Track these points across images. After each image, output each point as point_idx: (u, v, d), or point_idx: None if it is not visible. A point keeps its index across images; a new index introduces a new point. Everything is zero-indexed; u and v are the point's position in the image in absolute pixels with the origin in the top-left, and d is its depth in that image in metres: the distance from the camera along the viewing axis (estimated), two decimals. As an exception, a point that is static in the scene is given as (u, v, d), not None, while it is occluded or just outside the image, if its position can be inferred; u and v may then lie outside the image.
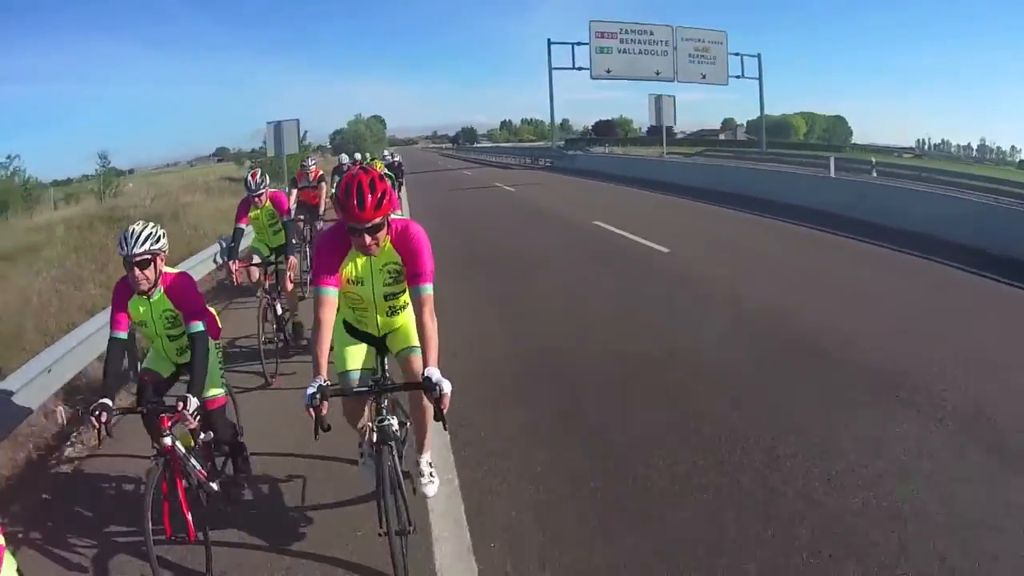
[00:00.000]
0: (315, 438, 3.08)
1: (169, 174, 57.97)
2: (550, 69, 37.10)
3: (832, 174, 20.82)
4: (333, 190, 7.70)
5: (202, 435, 3.99)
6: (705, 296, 8.75)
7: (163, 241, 3.69)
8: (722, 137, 52.63)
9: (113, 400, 3.54)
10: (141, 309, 3.81)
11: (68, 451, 5.35)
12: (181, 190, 31.62)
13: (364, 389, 3.43)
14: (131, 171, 58.07)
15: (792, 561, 3.50)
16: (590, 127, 66.20)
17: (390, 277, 3.43)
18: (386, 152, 23.16)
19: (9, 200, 31.53)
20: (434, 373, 3.09)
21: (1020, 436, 4.66)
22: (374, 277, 3.42)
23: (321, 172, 11.47)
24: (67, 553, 3.92)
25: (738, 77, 39.58)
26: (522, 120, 75.58)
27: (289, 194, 10.09)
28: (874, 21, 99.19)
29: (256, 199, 7.06)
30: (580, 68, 37.06)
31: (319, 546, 3.84)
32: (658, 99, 33.83)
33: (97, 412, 3.40)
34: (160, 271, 3.73)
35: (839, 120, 69.77)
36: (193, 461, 3.83)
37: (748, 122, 68.96)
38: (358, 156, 17.34)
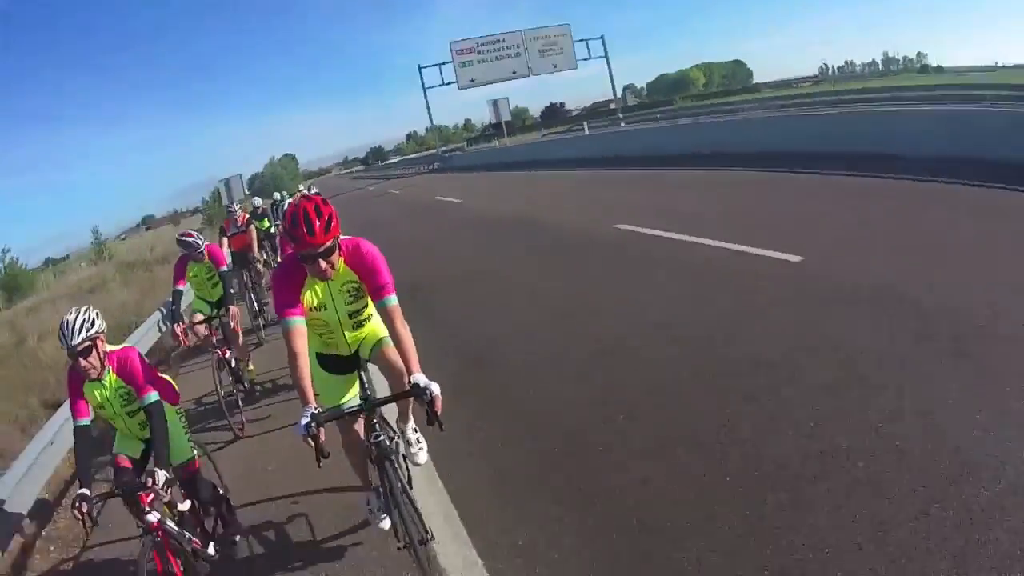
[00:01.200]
0: (318, 466, 3.07)
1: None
2: (424, 89, 44.44)
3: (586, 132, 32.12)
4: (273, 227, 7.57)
5: (180, 505, 3.94)
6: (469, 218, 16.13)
7: (99, 323, 3.68)
8: (612, 106, 55.04)
9: (91, 488, 3.53)
10: (96, 393, 3.80)
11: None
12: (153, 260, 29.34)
13: (355, 408, 3.43)
14: (66, 257, 56.00)
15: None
16: (489, 124, 65.87)
17: (351, 296, 3.45)
18: (301, 186, 23.04)
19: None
20: (420, 379, 3.10)
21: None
22: (335, 300, 3.44)
23: (248, 215, 11.27)
24: None
25: (586, 59, 45.36)
26: (426, 129, 75.01)
27: (221, 244, 9.90)
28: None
29: (198, 255, 6.96)
30: (448, 83, 43.91)
31: (335, 572, 3.86)
32: (495, 103, 43.94)
33: (77, 503, 3.40)
34: (104, 352, 3.73)
35: (738, 64, 71.65)
36: (185, 532, 3.78)
37: (648, 84, 70.70)
38: (277, 195, 17.79)
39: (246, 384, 7.17)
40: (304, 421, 3.00)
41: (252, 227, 10.85)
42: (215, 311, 7.11)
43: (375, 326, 3.66)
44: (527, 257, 10.47)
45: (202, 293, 7.33)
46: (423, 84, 44.13)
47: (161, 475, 3.48)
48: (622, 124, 38.93)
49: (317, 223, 3.11)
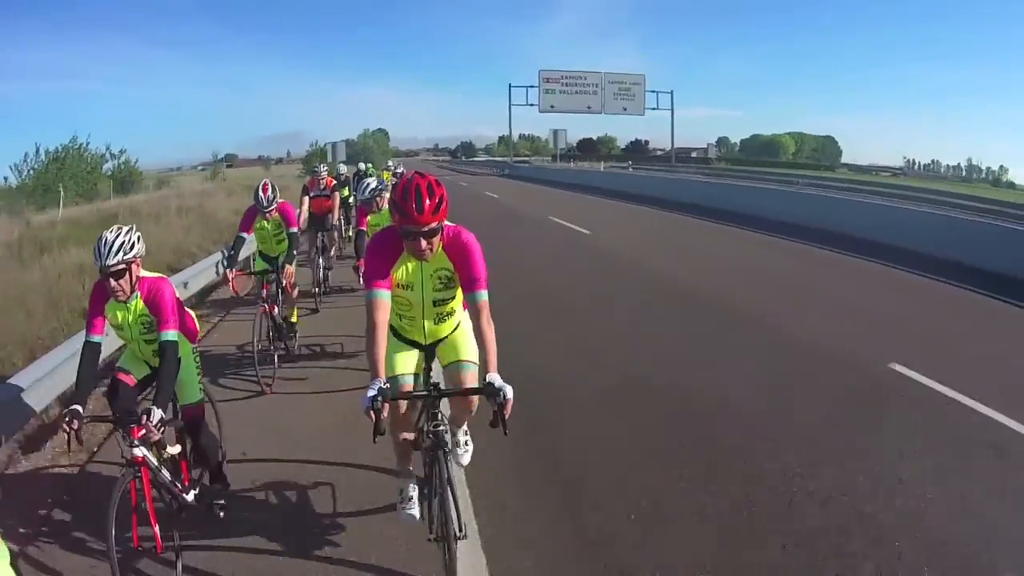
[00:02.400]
0: (374, 441, 2.97)
1: (184, 177, 54.04)
2: (510, 105, 50.72)
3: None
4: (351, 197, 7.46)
5: (169, 448, 3.80)
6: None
7: (138, 247, 3.56)
8: (693, 155, 60.93)
9: (84, 406, 3.42)
10: (119, 313, 3.70)
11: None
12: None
13: (424, 393, 3.33)
14: (179, 168, 58.25)
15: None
16: (575, 144, 71.01)
17: (440, 283, 3.34)
18: (390, 163, 23.27)
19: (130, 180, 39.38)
20: (496, 379, 3.01)
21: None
22: (424, 282, 3.33)
23: (334, 182, 10.93)
24: (41, 560, 3.77)
25: (654, 108, 51.66)
26: (520, 135, 75.70)
27: (300, 202, 9.85)
28: (872, 39, 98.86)
29: (267, 213, 6.84)
30: (531, 104, 50.56)
31: (351, 553, 3.72)
32: (555, 132, 53.81)
33: (68, 419, 3.30)
34: (137, 277, 3.62)
35: (828, 140, 70.59)
36: (165, 472, 3.64)
37: (742, 140, 70.59)
38: (362, 166, 17.59)
39: (287, 345, 7.06)
40: (371, 394, 2.92)
41: (336, 193, 10.63)
42: (272, 266, 7.01)
43: (459, 338, 3.58)
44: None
45: (265, 247, 7.26)
46: (509, 99, 50.48)
47: (157, 413, 3.36)
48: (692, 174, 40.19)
49: (428, 202, 3.03)
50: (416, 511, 3.60)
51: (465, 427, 3.88)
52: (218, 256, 10.21)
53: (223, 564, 3.63)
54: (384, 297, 3.17)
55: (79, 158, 36.53)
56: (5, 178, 36.38)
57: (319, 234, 9.96)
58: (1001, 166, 53.03)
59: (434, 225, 3.07)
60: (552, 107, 50.10)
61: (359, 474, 4.51)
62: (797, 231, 15.35)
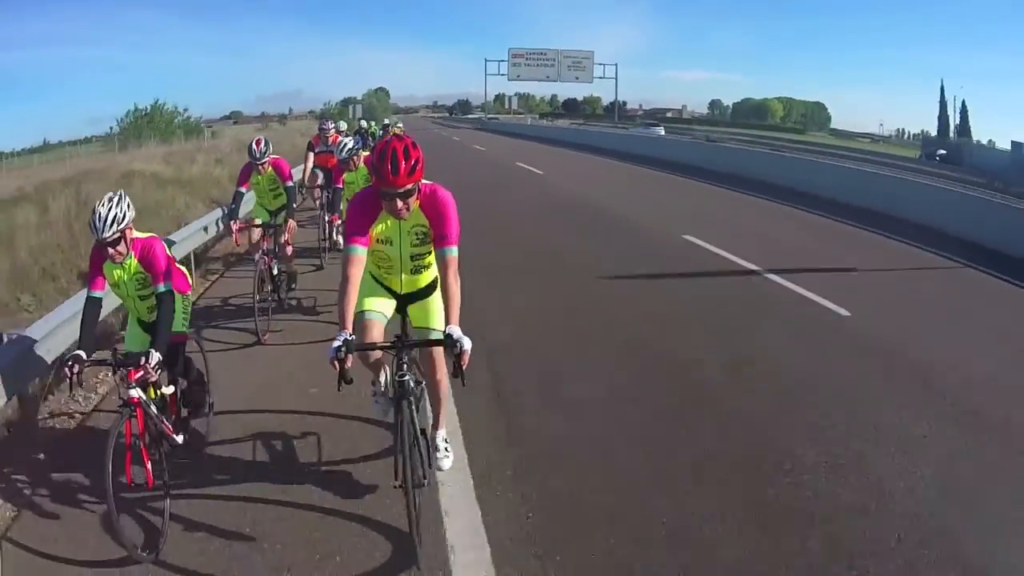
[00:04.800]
0: (338, 390, 3.04)
1: (230, 128, 56.83)
2: (486, 75, 62.18)
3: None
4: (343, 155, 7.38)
5: (164, 388, 3.97)
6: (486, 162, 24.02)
7: (129, 214, 3.67)
8: (668, 115, 68.58)
9: (88, 353, 3.57)
10: (115, 272, 3.86)
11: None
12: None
13: (387, 344, 3.35)
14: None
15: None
16: (561, 103, 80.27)
17: (417, 239, 3.38)
18: (386, 120, 23.03)
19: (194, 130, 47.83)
20: (455, 331, 3.06)
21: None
22: (402, 238, 3.38)
23: (339, 138, 10.25)
24: (43, 499, 3.90)
25: (601, 77, 62.76)
26: (516, 93, 75.72)
27: (305, 158, 9.62)
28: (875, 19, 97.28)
29: (260, 167, 6.77)
30: (502, 73, 62.09)
31: (333, 501, 3.74)
32: (518, 95, 71.48)
33: (70, 363, 3.47)
34: (131, 240, 3.76)
35: (818, 105, 69.71)
36: (156, 412, 3.79)
37: (733, 104, 70.71)
38: (363, 124, 17.64)
39: (282, 296, 7.05)
40: (336, 344, 2.97)
41: (341, 149, 10.27)
42: (272, 220, 6.96)
43: (432, 302, 3.63)
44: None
45: (262, 201, 7.17)
46: (485, 70, 61.61)
47: (155, 356, 3.54)
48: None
49: (403, 164, 3.06)
50: (384, 403, 3.78)
51: (444, 433, 3.84)
52: (217, 213, 10.05)
53: (208, 509, 3.68)
54: (360, 253, 3.22)
55: (159, 115, 48.16)
56: (111, 128, 49.84)
57: (324, 191, 9.62)
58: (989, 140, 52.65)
59: (410, 186, 3.11)
60: (518, 77, 62.29)
61: (345, 424, 4.50)
62: (692, 171, 20.29)
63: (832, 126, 63.25)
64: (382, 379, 3.88)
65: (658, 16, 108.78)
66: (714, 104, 74.68)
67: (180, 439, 4.01)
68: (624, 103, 74.61)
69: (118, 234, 3.61)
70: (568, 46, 63.13)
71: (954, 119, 50.46)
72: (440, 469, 3.78)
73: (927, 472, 4.00)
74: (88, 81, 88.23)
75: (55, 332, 4.91)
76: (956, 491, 3.84)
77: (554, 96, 79.06)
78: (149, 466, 3.55)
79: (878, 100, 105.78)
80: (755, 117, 66.72)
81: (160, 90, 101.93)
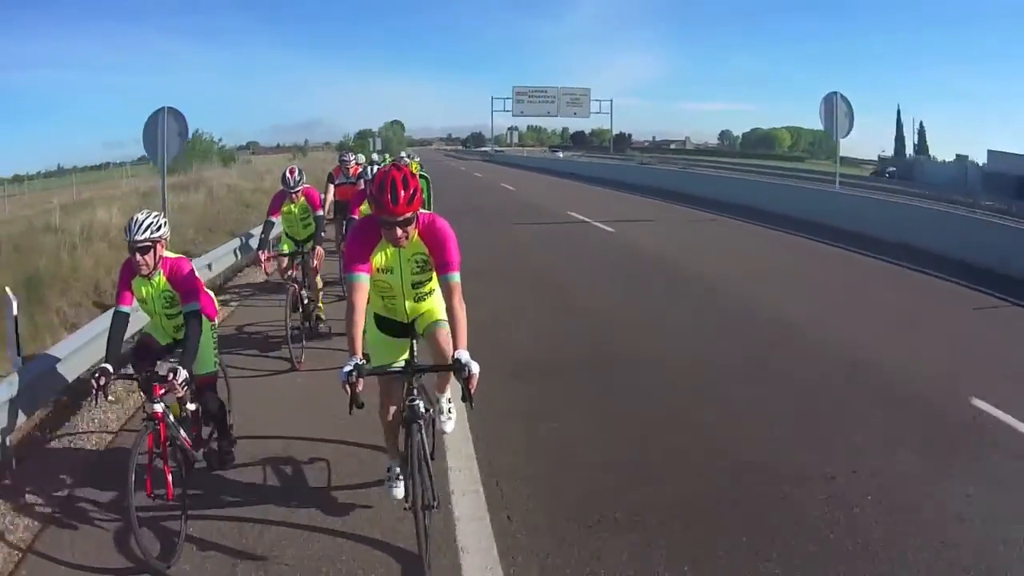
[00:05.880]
0: (350, 413, 3.03)
1: (259, 157, 60.21)
2: (492, 112, 68.52)
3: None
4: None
5: (189, 406, 3.98)
6: (480, 184, 31.48)
7: (164, 229, 3.78)
8: (672, 146, 74.24)
9: (114, 367, 3.62)
10: (143, 289, 3.90)
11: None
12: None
13: (398, 369, 3.40)
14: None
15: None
16: (570, 136, 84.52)
17: (417, 267, 3.40)
18: (403, 154, 23.27)
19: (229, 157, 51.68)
20: (463, 355, 3.06)
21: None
22: (402, 266, 3.40)
23: (360, 169, 10.39)
24: (66, 513, 3.92)
25: (597, 112, 68.44)
26: (528, 127, 76.67)
27: (326, 190, 9.56)
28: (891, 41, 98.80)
29: (293, 195, 6.84)
30: (507, 110, 67.97)
31: (343, 524, 3.72)
32: (515, 128, 76.51)
33: (97, 375, 3.51)
34: (160, 256, 3.81)
35: (826, 135, 69.47)
36: (181, 430, 3.84)
37: (743, 134, 71.61)
38: (376, 156, 18.04)
39: (312, 323, 7.03)
40: (347, 369, 3.00)
41: (362, 181, 9.88)
42: (300, 248, 6.96)
43: (435, 305, 3.60)
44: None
45: (291, 231, 7.20)
46: (492, 107, 67.56)
47: (183, 373, 3.55)
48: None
49: (402, 193, 3.09)
50: (400, 491, 3.65)
51: (448, 394, 3.88)
52: (236, 242, 10.11)
53: (218, 528, 3.68)
54: (363, 280, 3.24)
55: (199, 142, 48.32)
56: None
57: (344, 222, 9.41)
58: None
59: (408, 215, 3.14)
60: (522, 113, 68.43)
61: (356, 449, 4.48)
62: (662, 194, 23.55)
63: (842, 154, 62.82)
64: (396, 468, 3.73)
65: (676, 48, 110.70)
66: (724, 135, 75.86)
67: (199, 455, 4.07)
68: (629, 135, 77.80)
69: (149, 243, 3.68)
70: (586, 77, 70.34)
71: (913, 139, 55.86)
72: (444, 432, 3.91)
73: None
74: (101, 106, 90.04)
75: (79, 351, 5.06)
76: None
77: (564, 129, 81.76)
78: (170, 479, 3.59)
79: (883, 126, 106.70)
80: (763, 147, 67.18)
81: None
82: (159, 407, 3.54)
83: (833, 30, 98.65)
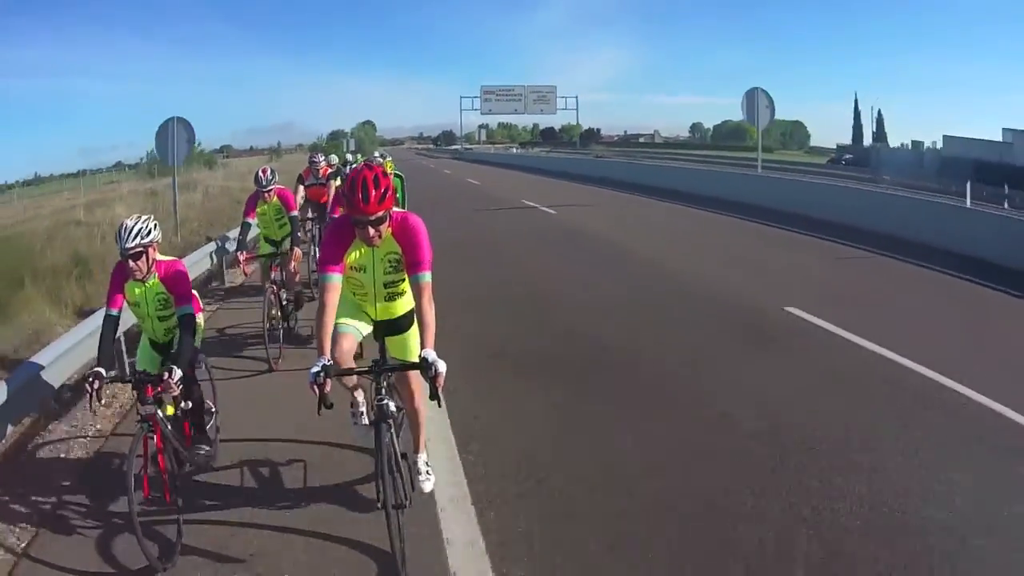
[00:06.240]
0: (318, 414, 3.04)
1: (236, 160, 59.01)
2: (460, 111, 67.13)
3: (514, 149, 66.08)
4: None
5: (183, 403, 3.99)
6: (448, 180, 32.73)
7: (155, 233, 3.74)
8: (641, 140, 72.92)
9: (106, 370, 3.61)
10: (136, 291, 3.89)
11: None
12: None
13: (365, 369, 3.34)
14: (136, 165, 59.03)
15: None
16: (540, 132, 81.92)
17: (390, 266, 3.40)
18: (376, 153, 23.21)
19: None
20: (430, 354, 3.07)
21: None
22: (375, 265, 3.40)
23: (330, 170, 10.31)
24: (60, 517, 3.95)
25: (563, 108, 67.17)
26: (499, 124, 76.76)
27: (296, 191, 9.47)
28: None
29: (265, 194, 6.82)
30: (475, 108, 66.56)
31: (318, 524, 3.72)
32: (485, 126, 76.43)
33: (91, 379, 3.48)
34: (153, 260, 3.79)
35: (798, 125, 70.22)
36: (172, 430, 3.79)
37: (714, 126, 73.07)
38: (349, 156, 18.37)
39: (290, 324, 7.05)
40: (314, 369, 3.00)
41: (331, 182, 9.99)
42: (277, 249, 6.96)
43: (409, 338, 3.62)
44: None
45: (268, 232, 7.19)
46: (460, 106, 66.40)
47: (177, 372, 3.57)
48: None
49: (373, 192, 3.09)
50: (366, 420, 3.74)
51: (426, 456, 3.81)
52: (212, 246, 10.05)
53: (201, 531, 3.68)
54: (334, 281, 3.23)
55: None
56: (141, 158, 49.71)
57: (315, 224, 9.57)
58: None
59: (380, 214, 3.14)
60: (490, 111, 67.40)
61: (337, 449, 4.49)
62: (610, 183, 25.83)
63: (812, 144, 64.08)
64: (359, 398, 3.85)
65: (647, 42, 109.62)
66: (695, 127, 75.78)
67: (191, 455, 4.06)
68: (598, 130, 77.72)
69: (141, 248, 3.65)
70: (558, 73, 68.97)
71: (872, 127, 55.98)
72: (423, 492, 3.73)
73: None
74: (73, 112, 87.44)
75: (64, 356, 5.05)
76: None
77: (535, 125, 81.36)
78: (167, 478, 3.59)
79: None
80: (734, 139, 67.21)
81: (148, 123, 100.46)
82: (152, 409, 3.53)
83: (802, 21, 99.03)
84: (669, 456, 4.31)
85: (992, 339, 6.65)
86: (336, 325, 3.41)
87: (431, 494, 3.78)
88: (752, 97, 17.95)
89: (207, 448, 4.22)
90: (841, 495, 3.76)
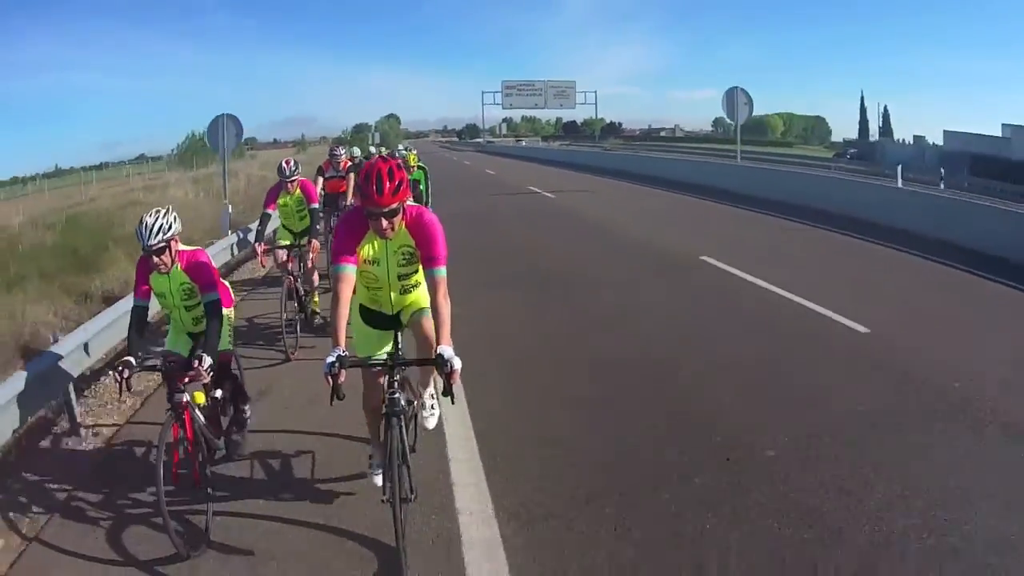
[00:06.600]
0: (331, 404, 3.00)
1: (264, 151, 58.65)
2: (483, 105, 65.37)
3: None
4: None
5: (215, 393, 3.97)
6: (468, 171, 33.63)
7: (175, 227, 3.66)
8: (662, 134, 73.05)
9: (136, 359, 3.57)
10: (161, 282, 3.83)
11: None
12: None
13: (379, 361, 3.30)
14: (160, 158, 59.51)
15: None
16: (562, 126, 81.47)
17: (403, 259, 3.33)
18: (400, 146, 23.18)
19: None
20: (446, 350, 3.00)
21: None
22: (389, 258, 3.32)
23: (350, 163, 10.18)
24: (78, 503, 3.93)
25: (583, 103, 65.86)
26: (523, 118, 76.61)
27: (316, 183, 9.42)
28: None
29: (288, 185, 6.75)
30: (496, 103, 65.31)
31: (325, 516, 3.67)
32: (508, 119, 77.07)
33: (120, 368, 3.47)
34: (176, 252, 3.73)
35: (819, 120, 69.47)
36: (202, 418, 3.76)
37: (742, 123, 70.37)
38: (372, 150, 17.74)
39: (307, 315, 6.99)
40: (329, 360, 2.95)
41: (351, 175, 9.81)
42: (297, 241, 6.89)
43: (420, 297, 3.53)
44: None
45: (288, 223, 7.13)
46: (483, 101, 64.70)
47: (207, 360, 3.54)
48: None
49: (388, 184, 3.03)
50: (379, 479, 3.59)
51: (432, 390, 3.82)
52: (234, 238, 10.10)
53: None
54: (349, 271, 3.17)
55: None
56: (172, 150, 53.90)
57: (332, 215, 9.45)
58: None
59: (394, 206, 3.07)
60: (511, 105, 66.81)
61: (343, 444, 4.43)
62: (613, 173, 27.42)
63: (833, 139, 62.46)
64: (377, 454, 3.69)
65: (672, 36, 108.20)
66: (718, 122, 74.37)
67: (222, 443, 4.04)
68: (619, 124, 77.38)
69: (163, 244, 3.59)
70: (581, 67, 72.93)
71: (878, 122, 57.25)
72: (426, 428, 3.81)
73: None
74: (97, 108, 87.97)
75: (79, 349, 5.04)
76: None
77: (559, 119, 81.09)
78: (197, 466, 3.58)
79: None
80: (757, 133, 66.00)
81: (174, 118, 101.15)
82: (184, 397, 3.52)
83: (828, 16, 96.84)
84: (589, 327, 6.93)
85: (844, 274, 8.96)
86: (367, 358, 3.36)
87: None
88: (732, 95, 19.33)
89: (239, 438, 4.23)
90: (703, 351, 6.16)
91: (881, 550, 3.14)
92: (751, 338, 6.32)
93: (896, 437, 4.21)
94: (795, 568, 3.06)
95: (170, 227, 3.59)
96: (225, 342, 4.00)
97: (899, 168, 18.10)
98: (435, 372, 3.24)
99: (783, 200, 15.36)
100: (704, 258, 9.68)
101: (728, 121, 22.07)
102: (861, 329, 6.31)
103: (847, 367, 5.48)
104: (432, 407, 3.80)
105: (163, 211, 3.65)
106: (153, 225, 3.54)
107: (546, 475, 3.88)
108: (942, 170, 24.69)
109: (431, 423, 3.80)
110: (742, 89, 19.18)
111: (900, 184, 15.97)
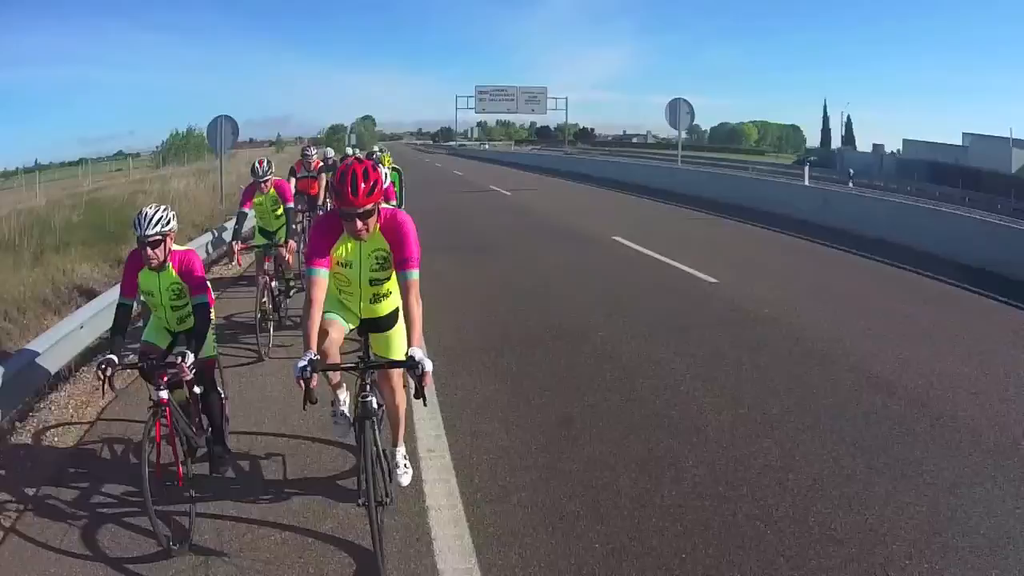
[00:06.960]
0: (304, 409, 2.98)
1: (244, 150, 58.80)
2: (456, 109, 66.27)
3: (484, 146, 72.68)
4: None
5: (196, 388, 3.90)
6: (438, 172, 35.96)
7: (173, 223, 3.65)
8: (634, 140, 74.57)
9: (119, 357, 3.52)
10: (150, 281, 3.78)
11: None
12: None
13: (351, 365, 3.25)
14: (138, 155, 58.75)
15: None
16: (535, 131, 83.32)
17: (377, 263, 3.28)
18: (376, 148, 22.96)
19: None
20: (417, 352, 2.96)
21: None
22: (362, 261, 3.28)
23: (322, 163, 10.20)
24: (53, 501, 3.86)
25: (554, 109, 66.96)
26: (497, 122, 76.36)
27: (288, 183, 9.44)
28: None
29: (262, 185, 6.75)
30: (470, 108, 65.95)
31: (299, 518, 3.61)
32: (482, 124, 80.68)
33: (103, 366, 3.42)
34: (170, 249, 3.71)
35: (793, 129, 70.81)
36: (184, 416, 3.74)
37: (711, 128, 73.91)
38: (348, 151, 17.81)
39: (280, 314, 6.97)
40: (301, 364, 2.88)
41: (323, 175, 9.88)
42: (272, 240, 6.89)
43: (395, 336, 3.50)
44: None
45: (264, 222, 7.15)
46: (456, 105, 65.64)
47: (190, 357, 3.48)
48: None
49: (362, 185, 2.99)
50: (346, 411, 3.75)
51: (403, 450, 3.79)
52: (209, 236, 9.98)
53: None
54: (320, 275, 3.12)
55: (192, 136, 51.97)
56: (156, 147, 55.72)
57: (305, 215, 9.39)
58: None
59: (369, 207, 3.04)
60: (484, 110, 68.22)
61: (314, 447, 4.38)
62: (569, 175, 30.15)
63: (808, 147, 63.91)
64: (342, 397, 3.83)
65: (647, 42, 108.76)
66: (692, 129, 75.15)
67: (202, 441, 3.99)
68: (592, 129, 77.95)
69: (159, 237, 3.57)
70: (556, 72, 73.87)
71: (841, 131, 59.80)
72: (400, 485, 3.68)
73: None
74: (74, 102, 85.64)
75: (58, 344, 5.00)
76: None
77: (532, 123, 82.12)
78: (179, 462, 3.53)
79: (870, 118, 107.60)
80: (731, 141, 66.53)
81: (151, 116, 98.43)
82: (164, 394, 3.46)
83: (801, 26, 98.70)
84: (512, 273, 9.56)
85: (716, 247, 11.59)
86: (324, 314, 3.28)
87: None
88: (675, 106, 21.73)
89: (222, 448, 4.13)
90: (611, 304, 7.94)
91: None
92: (630, 283, 8.92)
93: (700, 332, 6.62)
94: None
95: (168, 222, 3.58)
96: (211, 346, 3.97)
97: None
98: (406, 374, 3.20)
99: (713, 198, 17.88)
100: (615, 237, 12.25)
101: (672, 129, 23.39)
102: (711, 280, 8.88)
103: (696, 303, 7.89)
104: (405, 465, 3.73)
105: (162, 207, 3.64)
106: (152, 216, 3.54)
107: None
108: (851, 171, 27.47)
109: (404, 480, 3.68)
110: (684, 100, 21.70)
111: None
